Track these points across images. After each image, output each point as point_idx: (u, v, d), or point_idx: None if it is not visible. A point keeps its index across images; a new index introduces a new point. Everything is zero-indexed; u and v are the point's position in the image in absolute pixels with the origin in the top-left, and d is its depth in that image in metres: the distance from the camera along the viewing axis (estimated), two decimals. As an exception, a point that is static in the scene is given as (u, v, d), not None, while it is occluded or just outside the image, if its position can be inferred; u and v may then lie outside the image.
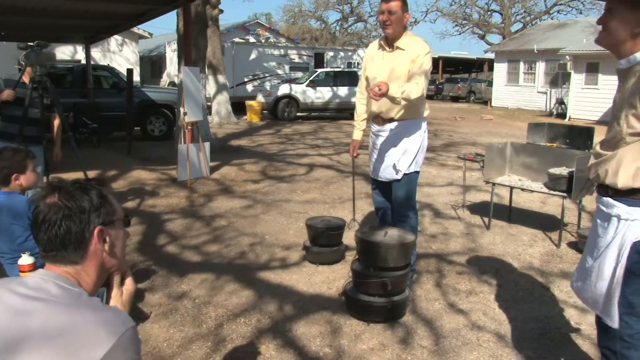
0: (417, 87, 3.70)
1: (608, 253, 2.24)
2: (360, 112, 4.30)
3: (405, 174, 4.04)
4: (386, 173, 4.11)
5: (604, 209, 2.30)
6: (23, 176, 3.17)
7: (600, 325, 2.36)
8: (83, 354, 1.21)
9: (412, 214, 4.16)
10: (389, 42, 3.98)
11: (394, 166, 4.04)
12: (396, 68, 3.88)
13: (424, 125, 4.12)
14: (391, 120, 4.01)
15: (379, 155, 4.14)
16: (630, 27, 2.12)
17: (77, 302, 1.30)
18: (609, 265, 2.23)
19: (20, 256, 2.80)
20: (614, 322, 2.27)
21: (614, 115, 2.22)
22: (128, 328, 1.28)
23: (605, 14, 2.20)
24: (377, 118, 4.12)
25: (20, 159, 3.17)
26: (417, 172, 4.14)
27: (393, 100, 3.67)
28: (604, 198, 2.29)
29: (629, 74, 2.14)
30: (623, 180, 2.18)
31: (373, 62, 4.10)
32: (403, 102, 3.71)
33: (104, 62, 22.73)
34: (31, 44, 5.41)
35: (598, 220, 2.34)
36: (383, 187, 4.28)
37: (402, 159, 4.02)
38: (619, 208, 2.21)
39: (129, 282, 1.57)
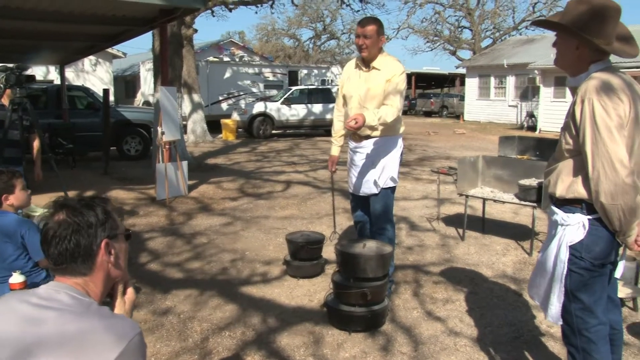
0: (392, 110, 3.90)
1: (548, 253, 2.50)
2: (338, 129, 4.46)
3: (382, 189, 4.20)
4: (365, 188, 4.26)
5: (549, 215, 2.57)
6: (12, 196, 3.25)
7: (564, 324, 2.54)
8: (95, 358, 1.32)
9: (389, 226, 4.31)
10: (366, 62, 4.15)
11: (374, 182, 4.19)
12: (372, 87, 4.05)
13: (400, 141, 4.29)
14: (368, 137, 4.17)
15: (357, 171, 4.29)
16: (571, 51, 2.38)
17: (88, 311, 1.41)
18: (549, 265, 2.49)
19: (10, 275, 2.87)
20: (551, 317, 2.55)
21: (561, 130, 2.46)
22: (136, 334, 1.40)
23: (556, 39, 2.46)
24: (354, 135, 4.27)
25: (7, 179, 3.25)
26: (394, 187, 4.30)
27: (371, 128, 3.87)
28: (550, 205, 2.54)
29: (575, 92, 2.36)
30: (559, 191, 2.44)
31: (350, 81, 4.26)
32: (380, 127, 3.90)
33: (77, 82, 22.68)
34: (10, 66, 5.49)
35: (548, 226, 2.63)
36: (361, 202, 4.43)
37: (380, 174, 4.18)
38: (558, 215, 2.47)
39: (130, 292, 1.69)
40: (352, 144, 4.34)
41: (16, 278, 2.80)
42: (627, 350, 3.42)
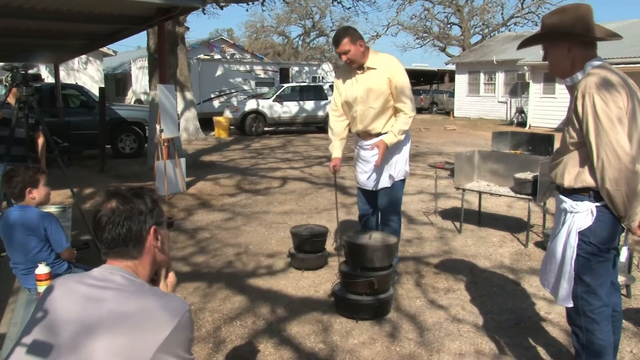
0: (407, 118, 4.14)
1: (558, 239, 2.66)
2: (338, 131, 4.46)
3: (394, 182, 4.32)
4: (377, 183, 4.36)
5: (558, 204, 2.74)
6: (36, 190, 3.37)
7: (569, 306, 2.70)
8: (151, 333, 1.44)
9: (397, 218, 4.46)
10: (358, 67, 4.21)
11: (389, 176, 4.30)
12: (373, 87, 4.13)
13: (408, 134, 4.40)
14: (379, 134, 4.26)
15: (368, 167, 4.36)
16: (564, 55, 2.56)
17: (141, 290, 1.54)
18: (558, 250, 2.65)
19: (35, 267, 2.99)
20: (560, 300, 2.67)
21: (564, 126, 2.63)
22: (186, 311, 1.53)
23: (545, 52, 2.67)
24: (364, 133, 4.34)
25: (33, 173, 3.38)
26: (404, 179, 4.42)
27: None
28: (559, 195, 2.71)
29: (573, 91, 2.54)
30: (567, 181, 2.61)
31: (346, 86, 4.32)
32: (404, 135, 4.15)
33: (68, 81, 22.60)
34: (17, 64, 5.56)
35: (556, 214, 2.78)
36: (369, 196, 4.53)
37: (393, 168, 4.30)
38: (566, 203, 2.64)
39: (171, 276, 1.82)
40: (361, 142, 4.40)
41: (42, 269, 2.91)
42: (622, 334, 3.58)
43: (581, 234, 2.54)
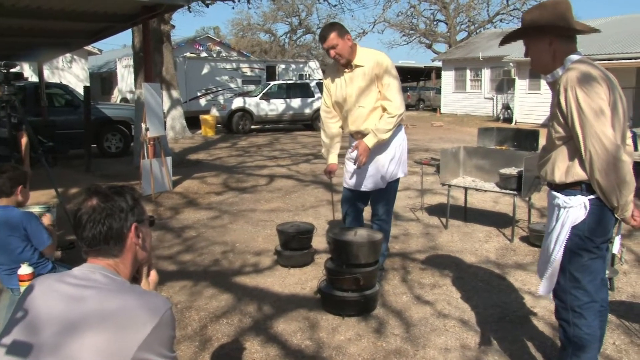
0: (389, 117, 4.03)
1: (551, 236, 2.66)
2: (332, 134, 4.39)
3: (388, 182, 4.29)
4: (370, 183, 4.29)
5: (550, 200, 2.73)
6: (25, 189, 3.35)
7: (558, 300, 2.72)
8: (133, 331, 1.44)
9: (389, 217, 4.45)
10: (346, 63, 4.16)
11: (380, 177, 4.24)
12: (362, 85, 4.09)
13: (402, 128, 4.36)
14: None
15: (362, 167, 4.21)
16: (545, 50, 2.59)
17: (122, 288, 1.53)
18: (551, 246, 2.65)
19: (18, 267, 2.96)
20: (541, 291, 2.71)
21: (548, 122, 2.64)
22: (168, 308, 1.53)
23: (526, 48, 2.69)
24: (357, 134, 4.28)
25: (23, 172, 3.36)
26: (399, 179, 4.37)
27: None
28: (550, 191, 2.70)
29: (554, 87, 2.57)
30: (558, 177, 2.61)
31: (336, 86, 4.25)
32: (390, 133, 4.06)
33: (52, 80, 22.40)
34: (-2, 63, 5.51)
35: (549, 211, 2.77)
36: (358, 196, 4.44)
37: (389, 167, 4.24)
38: (558, 198, 2.63)
39: (153, 274, 1.82)
40: (355, 143, 4.29)
41: (25, 269, 2.88)
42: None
43: (575, 228, 2.54)
